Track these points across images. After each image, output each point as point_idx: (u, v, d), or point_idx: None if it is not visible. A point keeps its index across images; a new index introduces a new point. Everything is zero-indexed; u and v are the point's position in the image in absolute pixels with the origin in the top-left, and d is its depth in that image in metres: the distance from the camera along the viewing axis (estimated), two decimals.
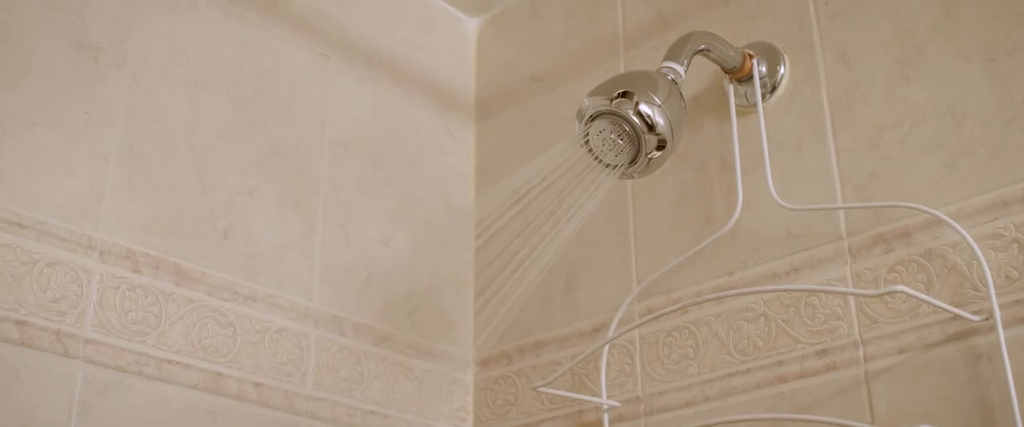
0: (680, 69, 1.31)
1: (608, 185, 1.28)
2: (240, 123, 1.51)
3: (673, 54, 1.33)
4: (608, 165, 1.27)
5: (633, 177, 1.29)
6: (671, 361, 1.46)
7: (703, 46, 1.37)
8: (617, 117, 1.25)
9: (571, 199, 1.29)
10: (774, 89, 1.46)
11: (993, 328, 1.19)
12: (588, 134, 1.27)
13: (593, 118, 1.27)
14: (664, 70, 1.30)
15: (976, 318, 1.21)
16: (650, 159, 1.27)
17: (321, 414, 1.47)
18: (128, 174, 1.37)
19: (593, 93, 1.28)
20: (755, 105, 1.46)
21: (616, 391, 1.49)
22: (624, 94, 1.26)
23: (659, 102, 1.25)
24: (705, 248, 1.46)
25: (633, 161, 1.27)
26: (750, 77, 1.46)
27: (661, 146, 1.26)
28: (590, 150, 1.27)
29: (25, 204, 1.27)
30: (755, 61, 1.46)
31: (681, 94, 1.28)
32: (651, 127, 1.25)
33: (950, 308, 1.21)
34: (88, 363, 1.27)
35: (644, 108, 1.24)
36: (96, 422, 1.26)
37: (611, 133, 1.26)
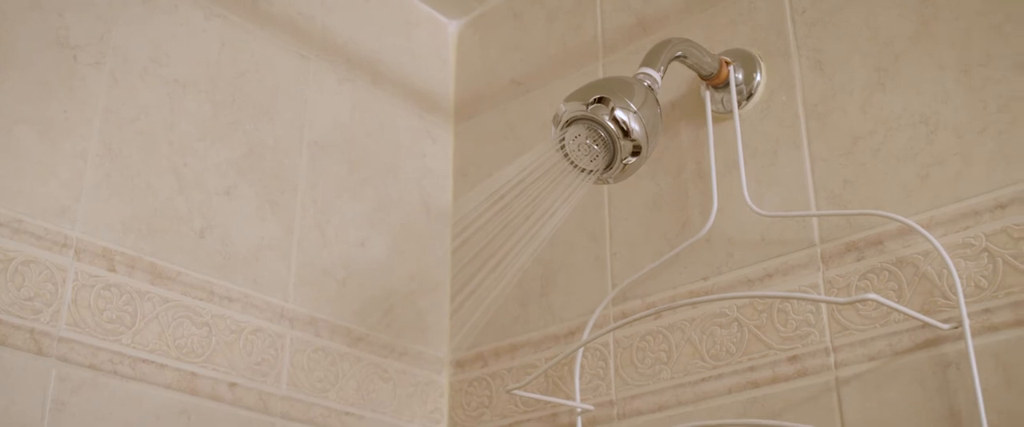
0: (656, 75, 1.32)
1: (584, 190, 1.29)
2: (219, 124, 1.52)
3: (650, 60, 1.34)
4: (583, 170, 1.28)
5: (609, 182, 1.30)
6: (644, 365, 1.46)
7: (680, 53, 1.38)
8: (593, 122, 1.26)
9: (547, 203, 1.29)
10: (750, 96, 1.47)
11: (962, 336, 1.20)
12: (564, 139, 1.28)
13: (569, 123, 1.28)
14: (640, 76, 1.31)
15: (945, 326, 1.22)
16: (625, 165, 1.28)
17: (295, 414, 1.47)
18: (106, 173, 1.38)
19: (569, 98, 1.29)
20: (731, 112, 1.47)
21: (590, 395, 1.50)
22: (600, 100, 1.26)
23: (635, 108, 1.26)
24: (680, 253, 1.47)
25: (608, 166, 1.28)
26: (727, 84, 1.47)
27: (636, 152, 1.27)
28: (566, 155, 1.28)
29: (1, 201, 1.27)
30: (732, 68, 1.46)
31: (657, 100, 1.29)
32: (626, 133, 1.25)
33: (920, 316, 1.22)
34: (62, 361, 1.28)
35: (620, 114, 1.25)
36: (70, 420, 1.26)
37: (587, 138, 1.27)
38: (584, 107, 1.27)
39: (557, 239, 1.58)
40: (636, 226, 1.54)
